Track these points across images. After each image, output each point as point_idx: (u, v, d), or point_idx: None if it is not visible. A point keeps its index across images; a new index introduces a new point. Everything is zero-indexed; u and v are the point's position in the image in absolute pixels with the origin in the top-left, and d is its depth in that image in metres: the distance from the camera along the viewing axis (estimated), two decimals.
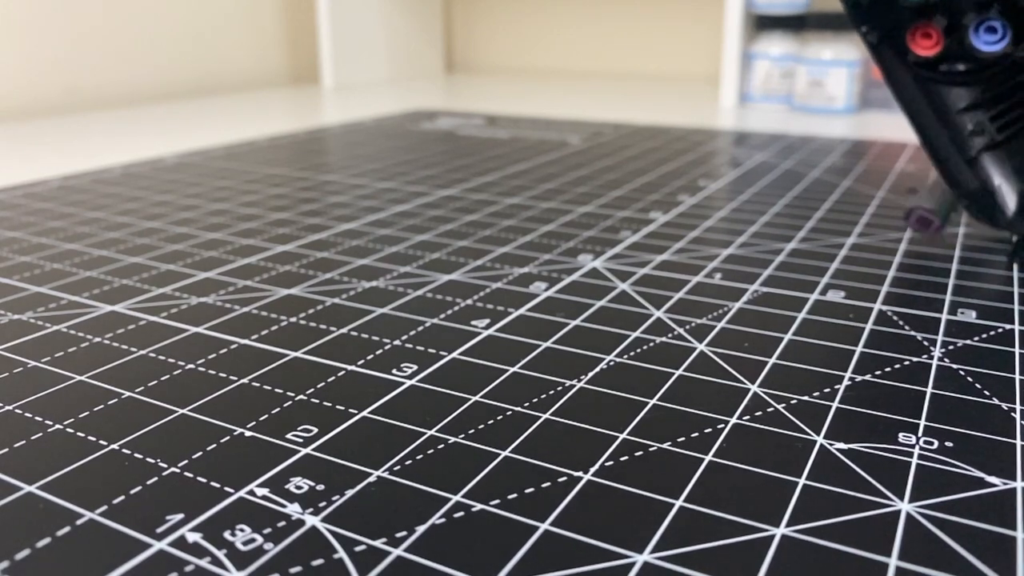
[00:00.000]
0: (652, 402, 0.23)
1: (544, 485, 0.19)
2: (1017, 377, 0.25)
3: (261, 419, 0.23)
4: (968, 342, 0.28)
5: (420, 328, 0.29)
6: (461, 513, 0.18)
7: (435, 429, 0.22)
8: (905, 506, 0.19)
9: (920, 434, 0.22)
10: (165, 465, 0.20)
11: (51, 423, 0.22)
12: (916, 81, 0.37)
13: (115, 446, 0.21)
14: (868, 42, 0.36)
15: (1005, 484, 0.20)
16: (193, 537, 0.18)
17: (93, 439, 0.22)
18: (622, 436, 0.22)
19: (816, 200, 0.48)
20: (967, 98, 0.36)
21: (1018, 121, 0.36)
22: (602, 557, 0.17)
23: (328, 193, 0.50)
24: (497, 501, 0.19)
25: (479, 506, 0.19)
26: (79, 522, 0.18)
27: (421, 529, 0.18)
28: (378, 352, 0.27)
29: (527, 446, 0.21)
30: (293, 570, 0.17)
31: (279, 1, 1.23)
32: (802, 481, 0.20)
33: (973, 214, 0.38)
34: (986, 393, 0.24)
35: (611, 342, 0.28)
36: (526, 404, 0.23)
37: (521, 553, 0.17)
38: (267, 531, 0.18)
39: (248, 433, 0.22)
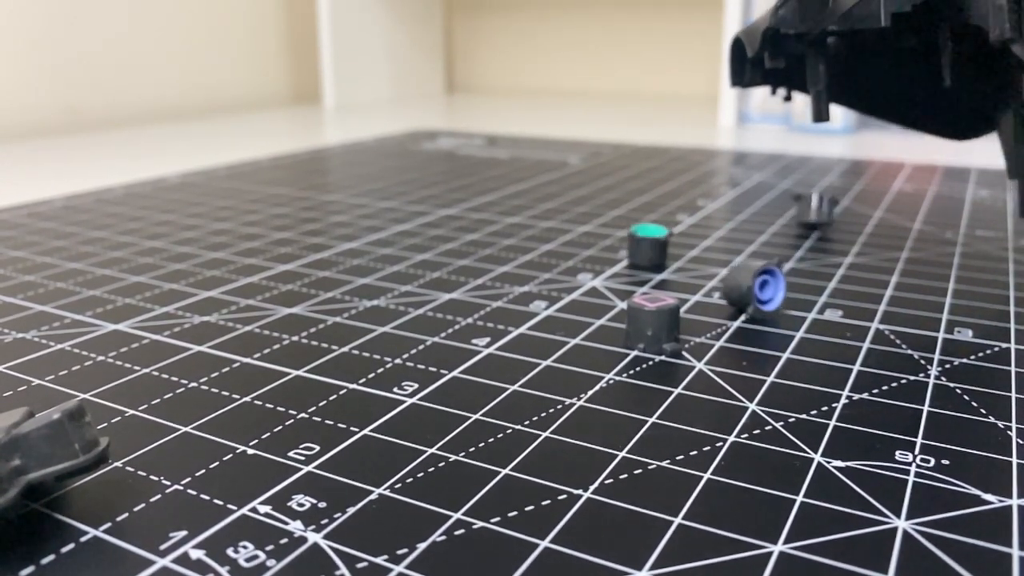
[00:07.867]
0: (651, 420, 0.24)
1: (544, 503, 0.20)
2: (1013, 395, 0.25)
3: (263, 437, 0.23)
4: (965, 361, 0.28)
5: (421, 347, 0.29)
6: (462, 531, 0.19)
7: (436, 447, 0.22)
8: (902, 523, 0.19)
9: (917, 452, 0.22)
10: (168, 482, 0.20)
11: None
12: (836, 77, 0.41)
13: (118, 464, 0.21)
14: (785, 98, 0.41)
15: (1001, 502, 0.20)
16: (196, 554, 0.18)
17: None
18: (621, 454, 0.22)
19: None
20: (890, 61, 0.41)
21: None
22: (601, 574, 0.17)
23: (329, 212, 0.51)
24: (497, 519, 0.19)
25: (480, 523, 0.19)
26: (83, 539, 0.18)
27: (422, 546, 0.18)
28: (379, 371, 0.27)
29: (527, 464, 0.21)
30: None
31: (281, 22, 1.24)
32: (800, 499, 0.20)
33: (962, 137, 0.44)
34: (983, 411, 0.24)
35: (610, 360, 0.28)
36: (526, 422, 0.24)
37: (521, 570, 0.17)
38: (270, 548, 0.18)
39: (251, 451, 0.22)
